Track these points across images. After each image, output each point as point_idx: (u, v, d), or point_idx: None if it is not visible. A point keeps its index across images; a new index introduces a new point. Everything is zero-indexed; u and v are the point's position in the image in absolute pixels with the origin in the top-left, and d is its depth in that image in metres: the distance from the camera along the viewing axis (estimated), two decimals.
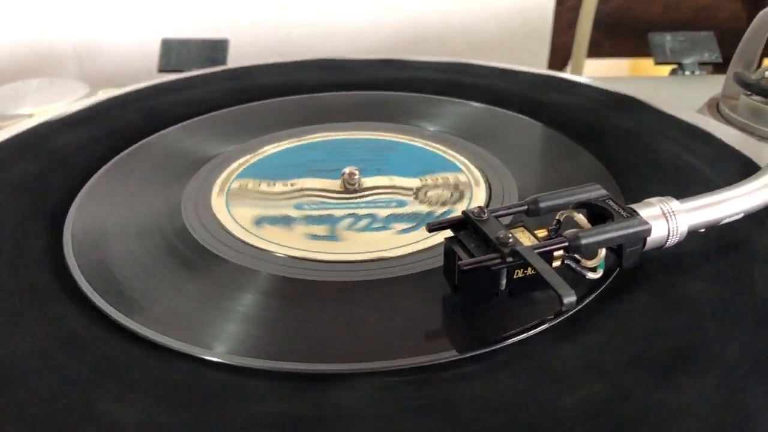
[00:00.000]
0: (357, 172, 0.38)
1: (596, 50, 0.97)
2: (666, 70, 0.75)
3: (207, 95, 0.53)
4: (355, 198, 0.38)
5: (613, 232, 0.27)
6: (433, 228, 0.28)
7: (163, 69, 0.66)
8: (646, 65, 1.17)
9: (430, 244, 0.33)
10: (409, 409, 0.23)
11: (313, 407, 0.23)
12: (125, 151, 0.43)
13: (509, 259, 0.26)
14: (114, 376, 0.25)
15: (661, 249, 0.30)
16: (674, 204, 0.30)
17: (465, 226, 0.28)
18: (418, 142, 0.44)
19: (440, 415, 0.23)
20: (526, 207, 0.29)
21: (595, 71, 1.02)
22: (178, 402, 0.23)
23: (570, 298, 0.23)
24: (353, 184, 0.38)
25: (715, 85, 0.61)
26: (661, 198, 0.30)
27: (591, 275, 0.28)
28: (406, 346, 0.26)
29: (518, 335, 0.26)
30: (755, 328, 0.26)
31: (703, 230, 0.31)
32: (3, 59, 0.78)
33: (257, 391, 0.24)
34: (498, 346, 0.26)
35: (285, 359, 0.25)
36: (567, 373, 0.24)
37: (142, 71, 0.78)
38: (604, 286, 0.29)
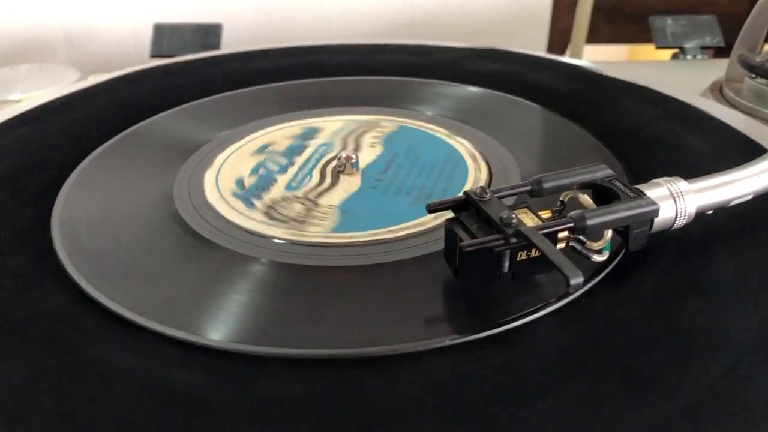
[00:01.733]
0: (354, 156, 0.36)
1: (595, 36, 0.96)
2: (665, 56, 0.74)
3: (199, 80, 0.52)
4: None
5: (619, 212, 0.26)
6: (433, 209, 0.27)
7: (155, 54, 0.65)
8: (644, 51, 1.16)
9: (429, 226, 0.32)
10: (409, 395, 0.22)
11: (309, 393, 0.22)
12: (115, 137, 0.42)
13: (513, 240, 0.25)
14: (102, 364, 0.24)
15: (668, 231, 0.29)
16: (682, 184, 0.29)
17: (466, 206, 0.27)
18: (411, 124, 0.43)
19: (440, 401, 0.22)
20: (529, 187, 0.28)
21: (593, 57, 1.01)
22: (167, 390, 0.23)
23: (577, 280, 0.22)
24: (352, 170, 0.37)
25: (717, 69, 0.60)
26: (668, 178, 0.29)
27: (596, 258, 0.27)
28: (403, 332, 0.25)
29: (521, 319, 0.25)
30: None
31: (711, 212, 0.30)
32: None
33: (253, 376, 0.23)
34: (499, 330, 0.25)
35: (281, 345, 0.24)
36: (571, 359, 0.24)
37: (134, 56, 0.77)
38: (609, 268, 0.28)
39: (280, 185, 0.36)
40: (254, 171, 0.38)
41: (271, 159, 0.39)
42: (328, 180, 0.36)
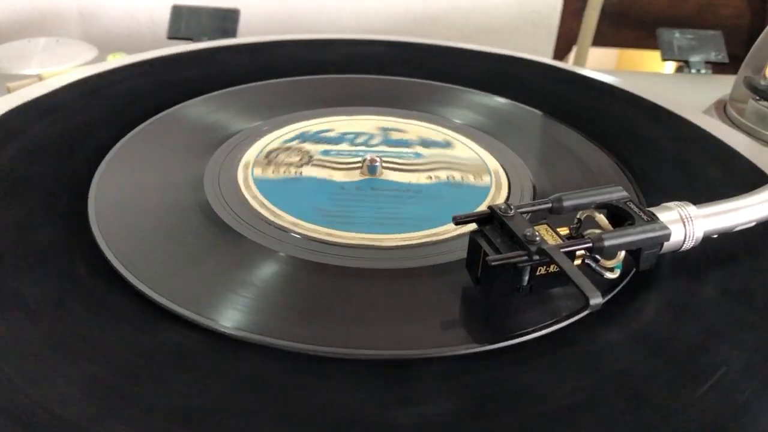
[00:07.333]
0: (378, 160, 0.38)
1: (600, 39, 0.97)
2: (654, 61, 0.75)
3: (237, 68, 0.53)
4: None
5: (635, 235, 0.28)
6: (460, 221, 0.29)
7: (172, 36, 0.66)
8: (633, 59, 1.18)
9: (448, 236, 0.33)
10: (427, 398, 0.24)
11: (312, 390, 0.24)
12: (149, 120, 0.43)
13: (536, 258, 0.26)
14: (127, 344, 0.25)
15: (675, 252, 0.31)
16: (692, 209, 0.30)
17: (490, 220, 0.29)
18: (439, 135, 0.44)
19: (460, 406, 0.24)
20: (550, 205, 0.30)
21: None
22: (181, 367, 0.24)
23: (596, 300, 0.24)
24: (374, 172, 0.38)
25: (719, 84, 0.62)
26: (678, 203, 0.31)
27: (609, 275, 0.29)
28: (423, 337, 0.27)
29: (539, 330, 0.27)
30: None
31: (715, 236, 0.32)
32: (6, 16, 0.76)
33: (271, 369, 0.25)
34: (518, 341, 0.27)
35: (296, 341, 0.26)
36: (584, 368, 0.25)
37: (148, 36, 0.77)
38: (622, 285, 0.30)
39: None
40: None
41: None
42: None
